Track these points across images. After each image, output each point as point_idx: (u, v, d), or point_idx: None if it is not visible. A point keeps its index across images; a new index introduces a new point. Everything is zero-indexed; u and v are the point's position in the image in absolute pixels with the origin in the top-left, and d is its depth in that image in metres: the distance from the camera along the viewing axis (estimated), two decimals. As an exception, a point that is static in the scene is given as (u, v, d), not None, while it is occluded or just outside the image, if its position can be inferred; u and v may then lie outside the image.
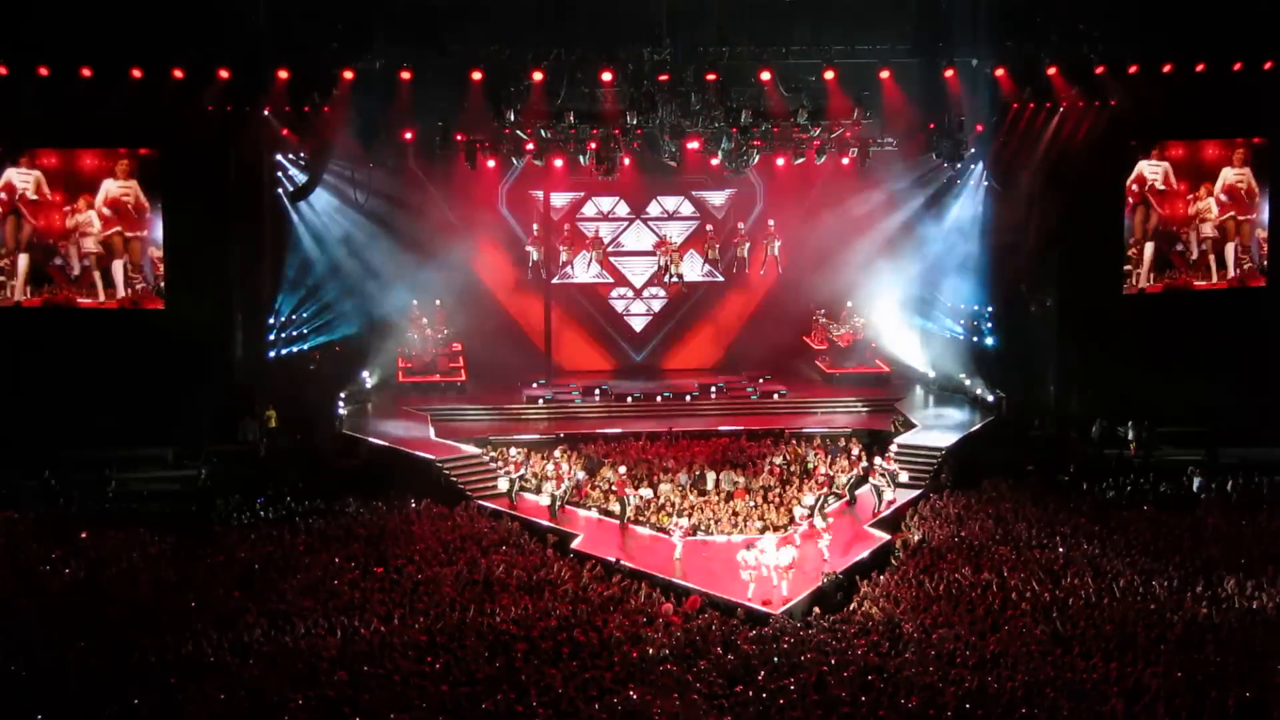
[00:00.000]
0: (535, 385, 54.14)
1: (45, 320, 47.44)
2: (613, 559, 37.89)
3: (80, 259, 47.55)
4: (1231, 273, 51.14)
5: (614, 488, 43.34)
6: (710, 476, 44.10)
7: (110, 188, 47.52)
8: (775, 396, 54.39)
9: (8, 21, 43.65)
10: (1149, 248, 50.80)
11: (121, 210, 47.63)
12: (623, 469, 44.34)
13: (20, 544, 36.87)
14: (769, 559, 36.40)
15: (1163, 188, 50.55)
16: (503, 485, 44.26)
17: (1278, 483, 42.50)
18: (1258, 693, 23.82)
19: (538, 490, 44.04)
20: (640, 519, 41.97)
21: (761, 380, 55.61)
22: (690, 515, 40.90)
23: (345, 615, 30.81)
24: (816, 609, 34.46)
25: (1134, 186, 50.56)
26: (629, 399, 53.62)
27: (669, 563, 38.25)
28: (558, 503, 42.76)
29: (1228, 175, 50.91)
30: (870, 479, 43.78)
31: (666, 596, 35.12)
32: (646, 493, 42.60)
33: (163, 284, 47.88)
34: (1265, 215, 51.02)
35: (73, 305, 47.64)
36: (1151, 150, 50.39)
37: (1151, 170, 50.29)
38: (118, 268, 47.66)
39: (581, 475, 44.77)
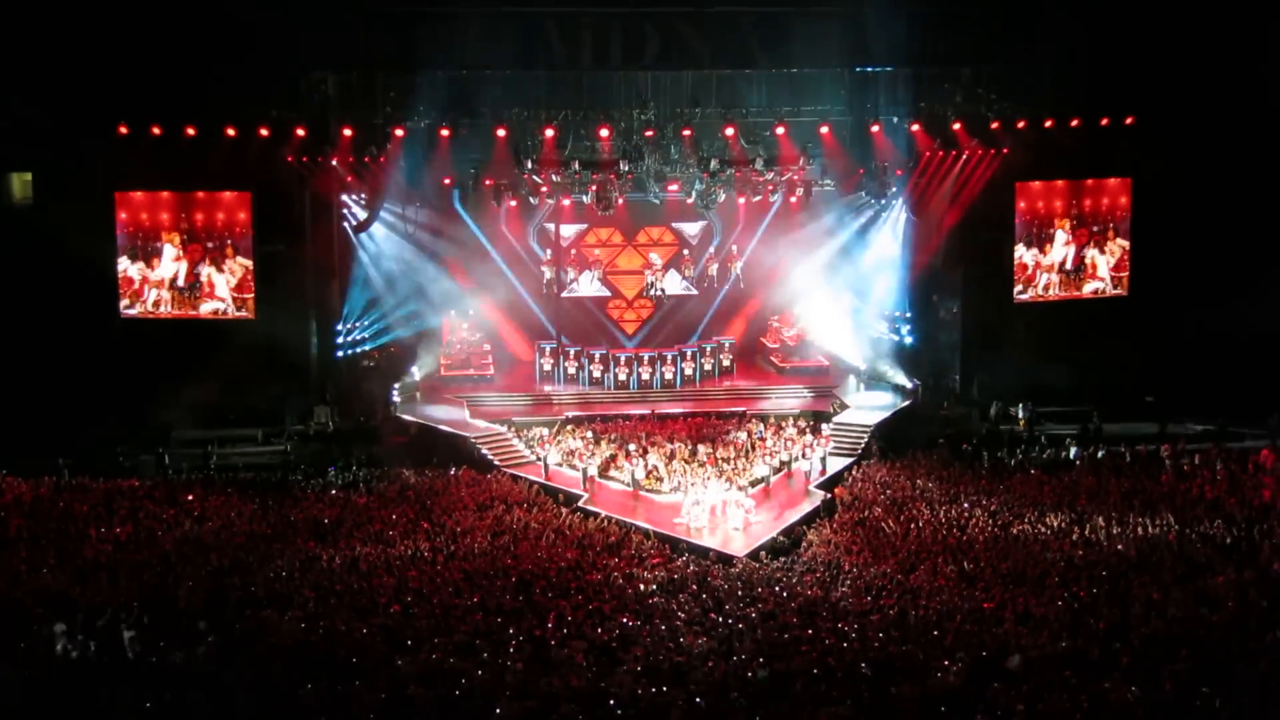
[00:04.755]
0: (547, 349, 53.99)
1: (161, 330, 47.45)
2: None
3: (188, 281, 47.52)
4: (1101, 286, 51.09)
5: (625, 459, 43.42)
6: (702, 449, 44.10)
7: (212, 224, 47.65)
8: (727, 385, 54.40)
9: (126, 90, 43.68)
10: (1035, 265, 50.79)
11: (221, 241, 47.59)
12: (632, 445, 44.35)
13: (140, 506, 36.75)
14: (709, 499, 38.03)
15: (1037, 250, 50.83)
16: (553, 458, 44.41)
17: (1137, 450, 42.46)
18: (1122, 617, 23.81)
19: (571, 465, 44.04)
20: (636, 483, 42.08)
21: (726, 346, 55.54)
22: (682, 486, 40.93)
23: (399, 560, 30.81)
24: (767, 553, 34.84)
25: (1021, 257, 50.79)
26: (621, 358, 53.53)
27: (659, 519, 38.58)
28: (587, 473, 42.81)
29: (1095, 208, 51.06)
30: (806, 453, 43.87)
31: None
32: (640, 461, 42.65)
33: (253, 299, 47.79)
34: (1129, 238, 51.06)
35: (184, 318, 47.58)
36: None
37: (1026, 251, 50.66)
38: (219, 287, 47.60)
39: (579, 446, 44.90)
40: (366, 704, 19.09)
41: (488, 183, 48.98)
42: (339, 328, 49.99)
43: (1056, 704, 18.68)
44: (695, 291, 57.48)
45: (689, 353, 54.39)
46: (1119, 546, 30.82)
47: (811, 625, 24.76)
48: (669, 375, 53.36)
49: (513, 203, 50.93)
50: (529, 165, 46.73)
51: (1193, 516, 33.27)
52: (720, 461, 42.75)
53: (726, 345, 55.48)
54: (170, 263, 47.50)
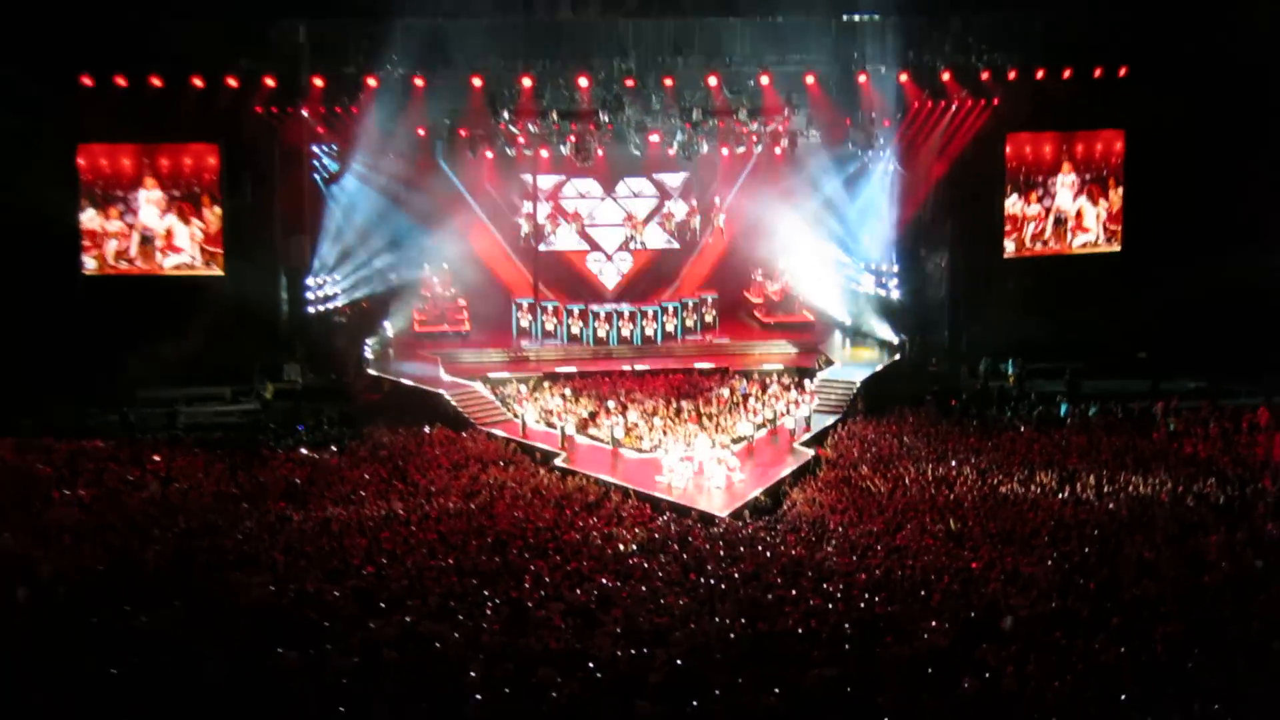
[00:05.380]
0: (524, 304, 54.01)
1: (125, 286, 47.28)
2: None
3: (151, 235, 47.33)
4: (1093, 239, 51.16)
5: (604, 416, 43.44)
6: (684, 406, 44.14)
7: (178, 176, 47.45)
8: (710, 340, 54.30)
9: (89, 40, 43.38)
10: (1022, 218, 50.82)
11: (187, 194, 47.37)
12: (611, 402, 44.34)
13: (106, 467, 36.66)
14: (691, 458, 38.04)
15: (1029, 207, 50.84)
16: (531, 415, 44.44)
17: (1129, 408, 42.59)
18: (1112, 577, 23.85)
19: (549, 423, 44.10)
20: (616, 441, 42.11)
21: (708, 301, 55.51)
22: (662, 444, 40.94)
23: (371, 521, 30.77)
24: (750, 512, 34.89)
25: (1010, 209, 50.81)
26: (601, 313, 53.49)
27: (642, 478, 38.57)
28: (565, 430, 42.79)
29: (1086, 161, 51.06)
30: (790, 410, 43.93)
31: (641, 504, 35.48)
32: (620, 419, 42.68)
33: (221, 253, 47.63)
34: (1121, 192, 51.10)
35: (149, 274, 47.48)
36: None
37: (1017, 203, 50.68)
38: (185, 241, 47.41)
39: (557, 403, 44.99)
40: (338, 668, 19.03)
41: (463, 134, 48.97)
42: (309, 282, 49.79)
43: (1045, 665, 18.70)
44: (677, 245, 57.48)
45: (670, 307, 54.34)
46: (1110, 505, 30.89)
47: (795, 586, 24.78)
48: (650, 331, 53.42)
49: (489, 154, 50.89)
50: (506, 116, 46.71)
51: (1185, 475, 33.37)
52: (702, 419, 42.79)
53: (709, 300, 55.48)
54: (145, 215, 47.32)
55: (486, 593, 24.05)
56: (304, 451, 39.93)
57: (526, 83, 45.86)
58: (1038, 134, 50.59)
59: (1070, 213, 50.94)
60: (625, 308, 53.98)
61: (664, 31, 47.23)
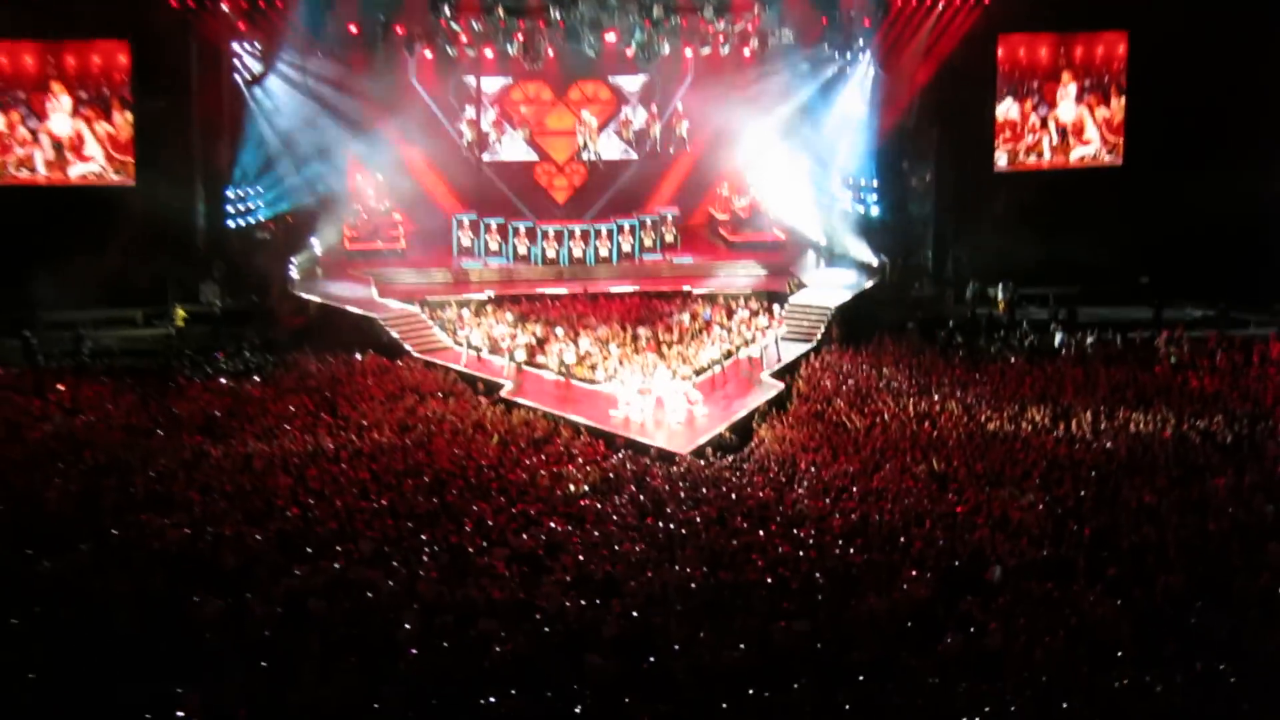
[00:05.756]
0: (466, 220, 53.61)
1: (27, 197, 46.89)
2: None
3: (56, 141, 46.89)
4: (1092, 152, 51.12)
5: (554, 343, 43.30)
6: (642, 333, 44.05)
7: (85, 76, 46.96)
8: (671, 261, 53.85)
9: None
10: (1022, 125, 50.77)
11: (95, 97, 46.92)
12: (561, 328, 44.24)
13: (4, 397, 36.46)
14: (649, 390, 38.20)
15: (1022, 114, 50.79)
16: (473, 342, 44.07)
17: (1130, 338, 42.72)
18: (1109, 522, 23.95)
19: (494, 350, 43.90)
20: (567, 371, 42.00)
21: (669, 218, 55.20)
22: (618, 375, 40.87)
23: (297, 457, 30.67)
24: (713, 450, 34.87)
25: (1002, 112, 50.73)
26: (550, 231, 52.94)
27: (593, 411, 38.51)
28: (512, 361, 42.60)
29: (1086, 65, 50.93)
30: (759, 337, 43.90)
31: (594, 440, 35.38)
32: (570, 346, 42.60)
33: (132, 162, 47.24)
34: (1123, 101, 51.02)
35: (53, 184, 47.11)
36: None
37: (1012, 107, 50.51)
38: (93, 148, 46.99)
39: (502, 328, 44.91)
40: (260, 619, 19.01)
41: (399, 31, 48.46)
42: (229, 194, 49.37)
43: (1035, 620, 18.78)
44: (635, 155, 57.29)
45: (627, 225, 54.04)
46: (1108, 444, 31.03)
47: (763, 530, 24.83)
48: (604, 250, 53.10)
49: (428, 53, 50.29)
50: (446, 11, 46.32)
51: (1190, 412, 33.51)
52: (661, 347, 42.72)
53: (670, 217, 55.18)
54: (50, 119, 46.98)
55: (424, 537, 24.07)
56: (223, 381, 39.78)
57: (470, -26, 45.56)
58: (1033, 35, 50.30)
59: (1068, 123, 50.84)
60: (577, 225, 53.69)
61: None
